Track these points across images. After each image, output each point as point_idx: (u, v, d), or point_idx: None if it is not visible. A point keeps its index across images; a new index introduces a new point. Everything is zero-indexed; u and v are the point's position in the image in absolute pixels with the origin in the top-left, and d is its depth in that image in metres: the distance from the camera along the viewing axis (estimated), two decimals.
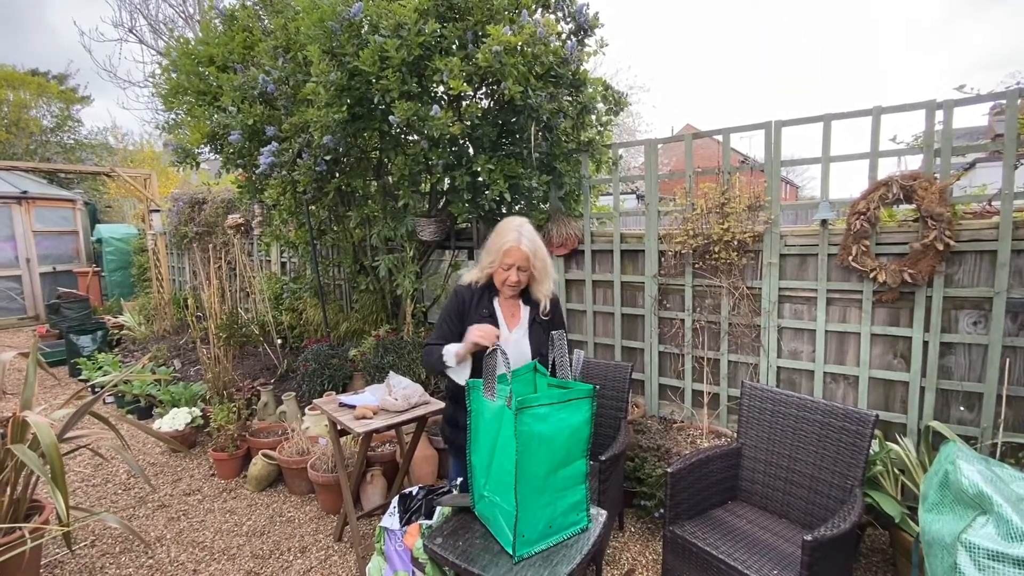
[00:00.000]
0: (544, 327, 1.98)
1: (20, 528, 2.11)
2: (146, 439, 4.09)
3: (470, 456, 1.78)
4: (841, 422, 2.11)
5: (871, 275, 2.59)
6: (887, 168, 2.65)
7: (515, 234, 1.88)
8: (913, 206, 2.53)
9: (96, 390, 4.47)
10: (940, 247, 2.41)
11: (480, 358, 1.81)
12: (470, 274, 1.99)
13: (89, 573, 2.53)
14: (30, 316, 9.00)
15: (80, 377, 5.29)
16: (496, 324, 1.92)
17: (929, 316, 2.54)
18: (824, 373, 2.83)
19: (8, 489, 2.25)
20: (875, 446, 2.43)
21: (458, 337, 1.89)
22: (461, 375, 1.84)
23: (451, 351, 1.83)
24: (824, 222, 2.72)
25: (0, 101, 13.56)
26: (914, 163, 2.78)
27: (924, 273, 2.48)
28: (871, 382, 2.72)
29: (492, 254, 1.91)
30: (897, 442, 2.54)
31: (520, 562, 1.62)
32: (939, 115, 2.50)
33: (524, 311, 1.99)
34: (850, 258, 2.63)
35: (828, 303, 2.79)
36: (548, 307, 1.98)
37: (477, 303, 1.93)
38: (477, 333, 1.77)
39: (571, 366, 1.95)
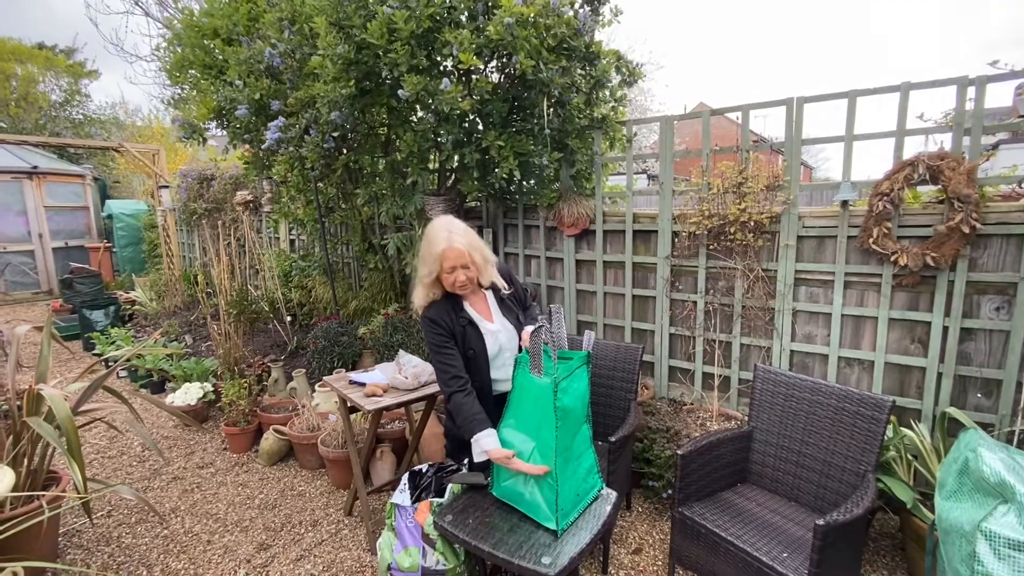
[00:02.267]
0: (512, 300, 2.03)
1: (38, 498, 2.15)
2: (159, 413, 4.16)
3: (501, 432, 1.78)
4: (856, 407, 2.08)
5: (892, 258, 2.53)
6: (911, 149, 2.56)
7: (445, 234, 1.83)
8: (939, 187, 2.45)
9: (110, 364, 4.53)
10: (966, 230, 2.34)
11: (472, 361, 1.88)
12: (419, 296, 1.91)
13: (106, 542, 2.59)
14: (43, 291, 9.12)
15: (94, 351, 5.37)
16: (477, 330, 1.90)
17: (950, 301, 2.48)
18: (839, 357, 2.79)
19: (25, 460, 2.29)
20: (889, 431, 2.40)
21: (464, 360, 1.87)
22: (478, 456, 1.77)
23: (483, 445, 1.74)
24: (845, 203, 2.65)
25: (8, 75, 13.52)
26: (934, 146, 2.68)
27: (948, 257, 2.41)
28: (887, 367, 2.68)
29: (428, 263, 1.85)
30: (911, 428, 2.51)
31: (562, 533, 1.65)
32: (970, 92, 2.40)
33: (488, 297, 2.00)
34: (871, 240, 2.56)
35: (846, 286, 2.73)
36: (504, 283, 2.00)
37: (455, 317, 1.88)
38: (506, 462, 1.71)
39: (582, 345, 1.93)
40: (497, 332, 1.95)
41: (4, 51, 13.54)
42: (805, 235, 2.81)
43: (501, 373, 1.96)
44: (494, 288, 2.00)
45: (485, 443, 1.75)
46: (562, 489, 1.67)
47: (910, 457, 2.39)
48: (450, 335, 1.87)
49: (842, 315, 2.76)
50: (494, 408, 1.87)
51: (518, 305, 2.05)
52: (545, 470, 1.65)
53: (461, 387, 1.83)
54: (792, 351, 2.93)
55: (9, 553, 1.96)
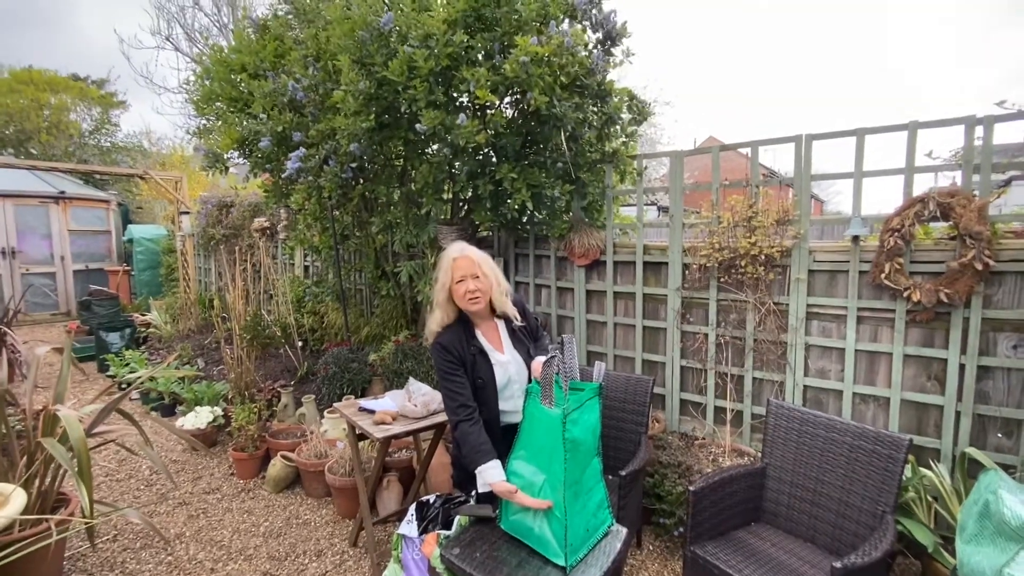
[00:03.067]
0: (524, 333, 2.03)
1: (47, 520, 2.16)
2: (168, 436, 4.17)
3: (509, 465, 1.77)
4: (872, 445, 2.04)
5: (905, 294, 2.52)
6: (921, 185, 2.58)
7: (457, 246, 1.95)
8: (950, 224, 2.46)
9: (123, 387, 4.58)
10: (979, 267, 2.33)
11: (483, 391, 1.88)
12: (434, 320, 1.95)
13: (110, 568, 2.57)
14: (62, 312, 9.28)
15: (108, 373, 5.42)
16: (488, 360, 1.92)
17: (966, 338, 2.45)
18: (853, 393, 2.75)
19: (37, 481, 2.31)
20: (907, 471, 2.34)
21: (472, 388, 1.88)
22: (482, 487, 1.78)
23: (488, 478, 1.73)
24: (856, 238, 2.66)
25: (42, 105, 14.12)
26: (945, 181, 2.70)
27: (961, 293, 2.39)
28: (903, 404, 2.63)
29: (442, 277, 1.93)
30: (930, 468, 2.44)
31: (572, 570, 1.61)
32: (978, 131, 2.43)
33: (500, 327, 2.02)
34: (883, 276, 2.56)
35: (858, 321, 2.71)
36: (517, 314, 2.02)
37: (467, 346, 1.90)
38: (510, 496, 1.70)
39: (592, 376, 1.94)
40: (507, 363, 1.96)
41: (40, 82, 14.19)
42: (817, 269, 2.81)
43: (509, 404, 1.96)
44: (506, 319, 2.02)
45: (489, 475, 1.74)
46: (571, 524, 1.64)
47: (930, 499, 2.32)
48: (460, 363, 1.88)
49: (855, 350, 2.72)
50: (501, 439, 1.87)
51: (529, 338, 2.06)
52: (548, 505, 1.63)
53: (468, 416, 1.83)
54: (806, 386, 2.89)
55: (16, 575, 1.96)
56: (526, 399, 1.78)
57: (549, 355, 1.73)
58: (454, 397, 1.85)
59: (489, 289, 1.92)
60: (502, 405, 1.94)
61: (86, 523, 2.08)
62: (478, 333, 1.96)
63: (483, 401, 1.91)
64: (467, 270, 1.88)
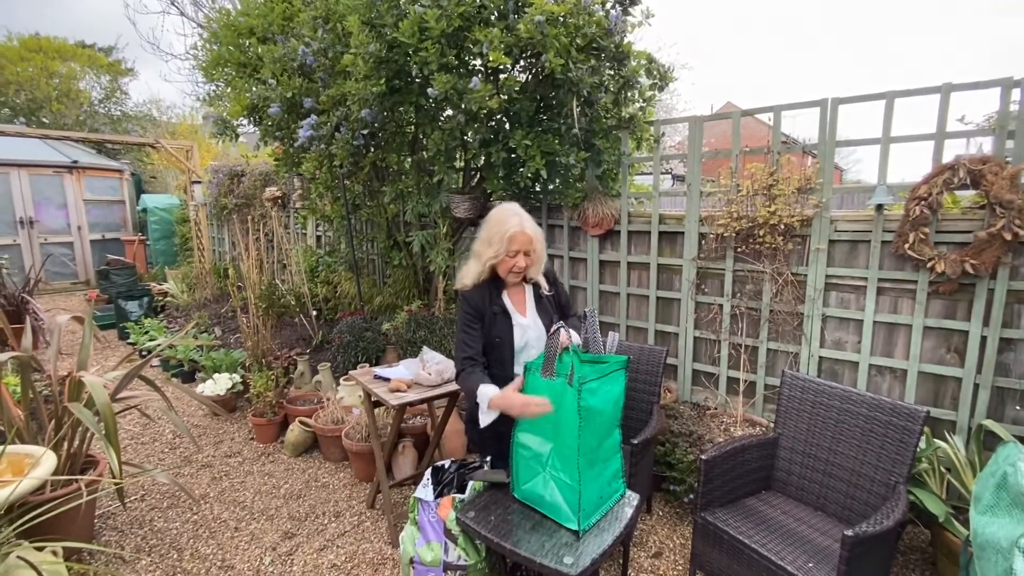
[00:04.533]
0: (551, 302, 2.04)
1: (77, 481, 2.25)
2: (189, 402, 4.29)
3: (515, 438, 1.80)
4: (888, 416, 2.03)
5: (928, 264, 2.46)
6: (949, 152, 2.49)
7: (516, 219, 1.87)
8: (979, 192, 2.37)
9: (144, 354, 4.69)
10: (1008, 237, 2.26)
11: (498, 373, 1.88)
12: (469, 273, 1.95)
13: (139, 525, 2.69)
14: (81, 281, 9.46)
15: (128, 340, 5.56)
16: (509, 321, 1.95)
17: (990, 310, 2.40)
18: (870, 365, 2.73)
19: (65, 444, 2.39)
20: (922, 443, 2.34)
21: (490, 345, 1.91)
22: (487, 418, 1.78)
23: (486, 395, 1.76)
24: (880, 207, 2.58)
25: (52, 73, 14.05)
26: (975, 149, 2.59)
27: (988, 264, 2.33)
28: (920, 376, 2.61)
29: (495, 244, 1.88)
30: (945, 440, 2.43)
31: (584, 534, 1.65)
32: (1015, 94, 2.31)
33: (528, 292, 2.04)
34: (906, 246, 2.49)
35: (878, 292, 2.66)
36: (546, 283, 2.03)
37: (489, 302, 1.94)
38: (516, 407, 1.70)
39: (604, 346, 1.95)
40: (527, 327, 1.98)
41: (49, 49, 14.08)
42: (837, 239, 2.75)
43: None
44: (536, 285, 2.04)
45: (484, 392, 1.76)
46: (585, 490, 1.67)
47: (943, 470, 2.32)
48: (478, 317, 1.92)
49: (874, 322, 2.69)
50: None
51: (556, 308, 2.06)
52: (546, 404, 1.62)
53: (472, 366, 1.87)
54: (821, 357, 2.87)
55: (49, 533, 2.05)
56: (525, 374, 1.78)
57: (554, 327, 1.72)
58: (463, 348, 1.90)
59: (534, 264, 1.94)
60: (517, 368, 1.96)
61: (116, 484, 2.16)
62: (505, 294, 1.99)
63: (498, 360, 1.93)
64: (523, 246, 1.88)
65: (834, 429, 2.17)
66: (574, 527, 1.66)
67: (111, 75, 15.16)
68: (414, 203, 3.57)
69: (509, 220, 1.87)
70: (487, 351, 1.93)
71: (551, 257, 4.02)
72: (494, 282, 1.97)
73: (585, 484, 1.66)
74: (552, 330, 1.73)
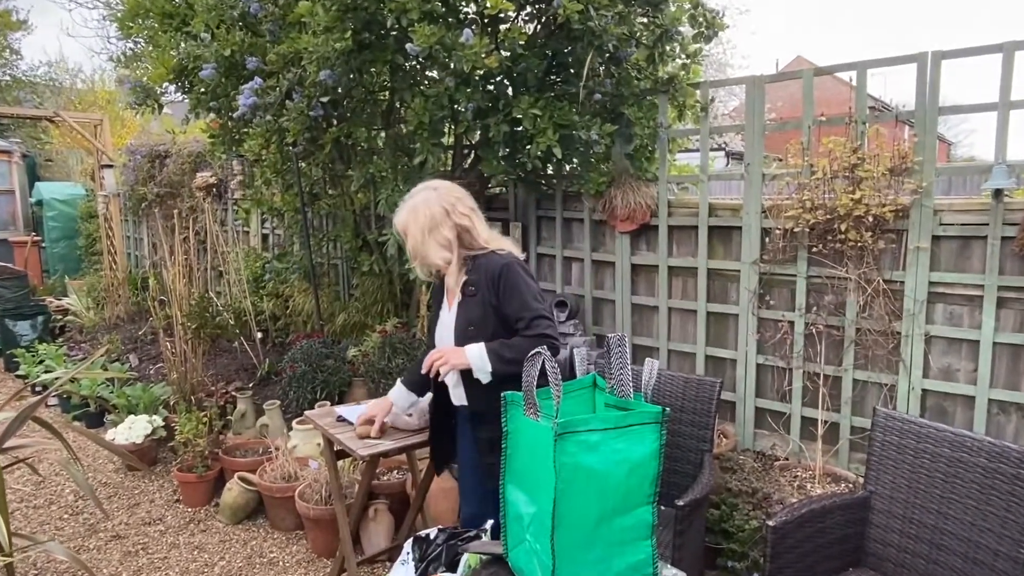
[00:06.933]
0: (478, 301, 2.09)
1: None
2: (97, 452, 4.30)
3: (504, 488, 1.80)
4: (1015, 469, 2.01)
5: None
6: None
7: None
8: None
9: (39, 390, 4.71)
10: None
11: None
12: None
13: None
14: None
15: (17, 372, 5.59)
16: (439, 306, 2.24)
17: None
18: (989, 400, 2.72)
19: None
20: None
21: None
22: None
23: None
24: (998, 192, 2.59)
25: None
26: None
27: None
28: None
29: None
30: None
31: None
32: None
33: (460, 281, 2.15)
34: None
35: (999, 304, 2.66)
36: (485, 270, 2.11)
37: (440, 286, 2.23)
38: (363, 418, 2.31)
39: (642, 383, 1.93)
40: (445, 324, 2.17)
41: None
42: (943, 235, 2.76)
43: (446, 380, 2.14)
44: (468, 280, 2.12)
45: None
46: (567, 574, 1.62)
47: None
48: (436, 303, 2.27)
49: (994, 343, 2.68)
50: (444, 412, 2.24)
51: (491, 316, 2.08)
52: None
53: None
54: (925, 390, 2.86)
55: None
56: (506, 409, 1.78)
57: (532, 352, 1.71)
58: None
59: (417, 248, 2.10)
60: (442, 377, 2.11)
61: (3, 560, 2.16)
62: (447, 276, 2.15)
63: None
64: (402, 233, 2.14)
65: (943, 486, 2.16)
66: None
67: None
68: (389, 191, 3.59)
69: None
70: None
71: (569, 261, 4.03)
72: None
73: (569, 567, 1.61)
74: (529, 355, 1.71)
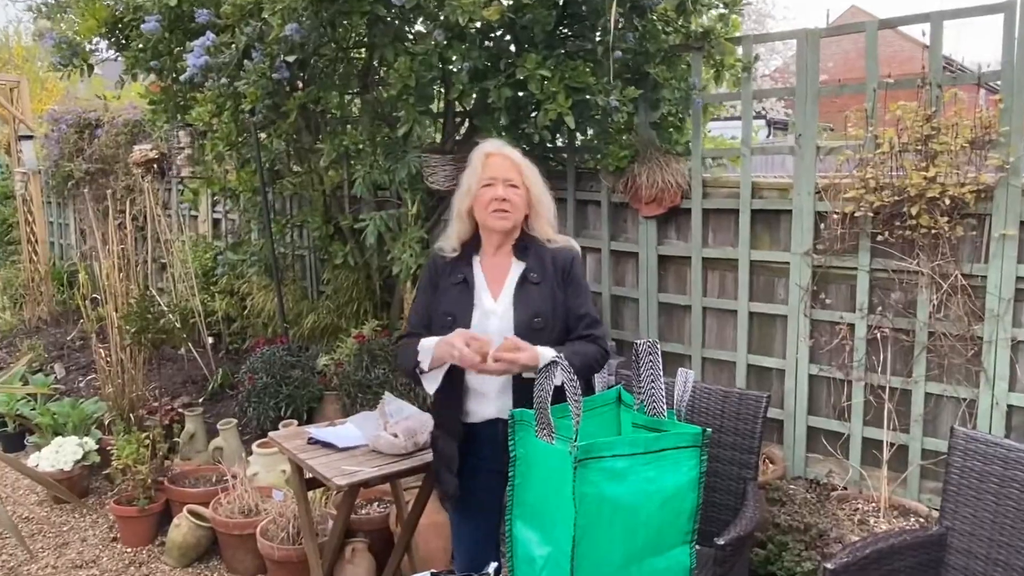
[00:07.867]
0: (545, 292, 2.06)
1: None
2: (18, 481, 4.30)
3: (512, 524, 1.80)
4: None
5: None
6: None
7: (494, 142, 2.25)
8: None
9: None
10: None
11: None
12: (450, 235, 2.21)
13: None
14: None
15: None
16: (470, 291, 2.09)
17: None
18: None
19: None
20: None
21: (431, 319, 2.13)
22: (431, 383, 2.01)
23: (428, 346, 1.98)
24: None
25: None
26: None
27: None
28: None
29: (466, 180, 2.13)
30: None
31: None
32: None
33: (513, 269, 2.11)
34: None
35: None
36: (552, 258, 2.10)
37: (452, 270, 2.13)
38: (455, 351, 1.86)
39: (675, 399, 1.93)
40: (492, 314, 2.03)
41: None
42: None
43: (476, 380, 2.00)
44: (529, 267, 2.09)
45: (428, 345, 1.97)
46: None
47: None
48: (432, 287, 2.18)
49: None
50: (462, 438, 2.05)
51: (554, 310, 2.05)
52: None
53: (414, 336, 2.12)
54: (1011, 406, 2.87)
55: None
56: (514, 428, 1.78)
57: (547, 362, 1.70)
58: (414, 320, 2.22)
59: (524, 207, 2.07)
60: (471, 378, 2.01)
61: None
62: (477, 262, 2.13)
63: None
64: (501, 172, 2.04)
65: None
66: None
67: None
68: (367, 168, 3.59)
69: (484, 145, 2.18)
70: (435, 333, 2.03)
71: (584, 251, 4.01)
72: (473, 245, 2.17)
73: None
74: (542, 367, 1.71)
